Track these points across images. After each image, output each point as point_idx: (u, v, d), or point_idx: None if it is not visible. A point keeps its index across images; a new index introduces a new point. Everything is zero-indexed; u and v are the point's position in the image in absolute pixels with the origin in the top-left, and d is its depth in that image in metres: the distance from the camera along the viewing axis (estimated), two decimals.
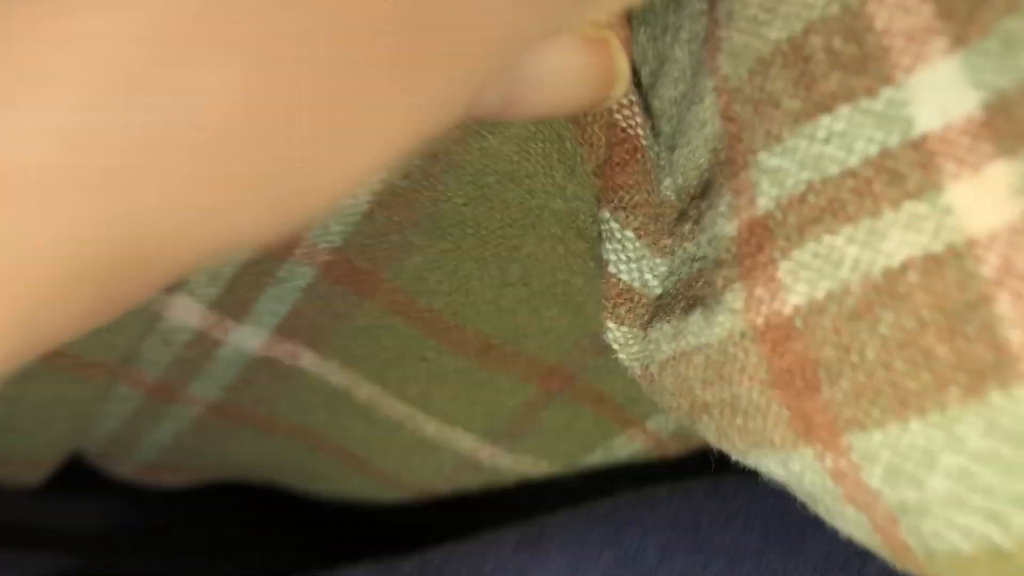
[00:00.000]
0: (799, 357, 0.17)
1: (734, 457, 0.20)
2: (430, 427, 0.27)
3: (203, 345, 0.25)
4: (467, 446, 0.28)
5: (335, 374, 0.26)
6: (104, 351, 0.25)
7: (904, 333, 0.16)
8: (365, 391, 0.26)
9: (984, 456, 0.16)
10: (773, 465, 0.19)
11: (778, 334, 0.17)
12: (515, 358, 0.25)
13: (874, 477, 0.17)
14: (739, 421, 0.18)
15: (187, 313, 0.24)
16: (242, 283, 0.24)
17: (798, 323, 0.17)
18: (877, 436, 0.16)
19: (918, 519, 0.17)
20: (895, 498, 0.17)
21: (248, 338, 0.25)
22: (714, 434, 0.19)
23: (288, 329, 0.25)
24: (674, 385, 0.20)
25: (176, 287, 0.24)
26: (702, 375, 0.19)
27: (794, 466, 0.18)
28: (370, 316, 0.24)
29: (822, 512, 0.19)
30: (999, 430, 0.15)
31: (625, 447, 0.29)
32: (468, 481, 0.30)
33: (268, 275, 0.23)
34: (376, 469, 0.30)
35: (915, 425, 0.16)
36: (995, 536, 0.16)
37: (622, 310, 0.21)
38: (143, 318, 0.24)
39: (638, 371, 0.21)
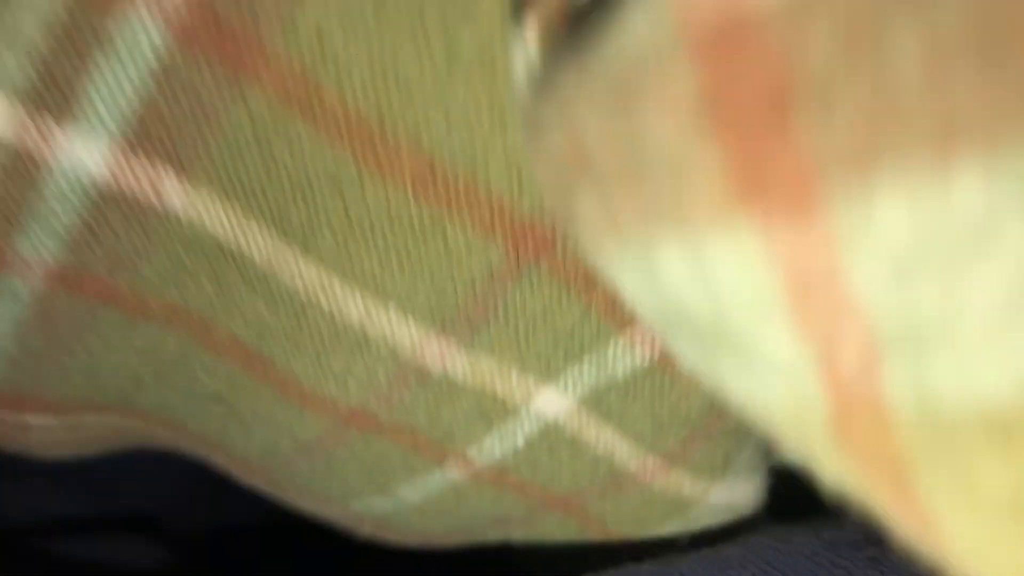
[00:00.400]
0: (762, 64, 0.10)
1: (608, 251, 0.12)
2: (354, 306, 0.20)
3: (24, 170, 0.18)
4: (407, 339, 0.20)
5: (214, 214, 0.18)
6: None
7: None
8: (260, 244, 0.19)
9: None
10: (671, 256, 0.11)
11: (726, 27, 0.10)
12: (471, 197, 0.18)
13: (867, 266, 0.10)
14: (634, 182, 0.11)
15: None
16: (61, 58, 0.16)
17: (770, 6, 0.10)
18: (892, 191, 0.09)
19: (935, 344, 0.10)
20: (899, 305, 0.10)
21: (83, 154, 0.17)
22: (594, 213, 0.12)
23: (139, 137, 0.17)
24: (563, 133, 0.12)
25: None
26: (599, 106, 0.11)
27: (711, 251, 0.11)
28: (255, 112, 0.16)
29: (724, 347, 0.12)
30: None
31: (623, 357, 0.21)
32: (411, 403, 0.22)
33: (95, 41, 0.16)
34: (285, 376, 0.22)
35: (972, 167, 0.09)
36: None
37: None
38: None
39: (527, 99, 0.14)
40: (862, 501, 0.13)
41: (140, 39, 0.16)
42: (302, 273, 0.19)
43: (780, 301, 0.11)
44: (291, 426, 0.23)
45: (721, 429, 0.23)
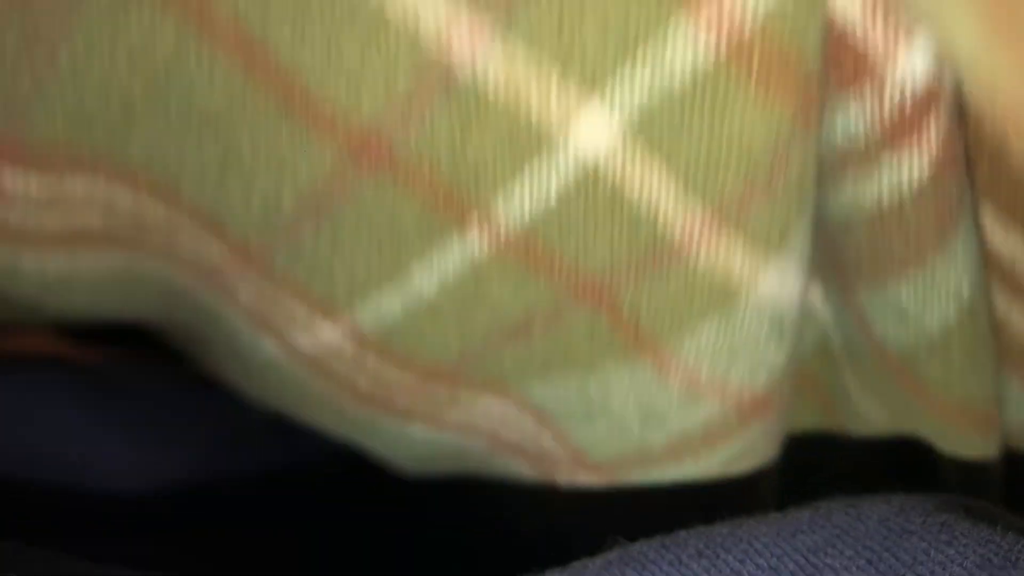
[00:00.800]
0: None
1: None
2: None
3: None
4: (432, 17, 0.18)
5: None
6: None
7: None
8: None
9: None
10: None
11: None
12: None
13: None
14: None
15: None
16: None
17: None
18: None
19: None
20: None
21: None
22: None
23: None
24: None
25: None
26: None
27: None
28: None
29: None
30: None
31: (683, 52, 0.18)
32: (432, 125, 0.19)
33: None
34: (291, 77, 0.19)
35: None
36: None
37: None
38: None
39: None
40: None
41: None
42: None
43: None
44: (295, 164, 0.21)
45: (783, 182, 0.20)
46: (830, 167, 0.21)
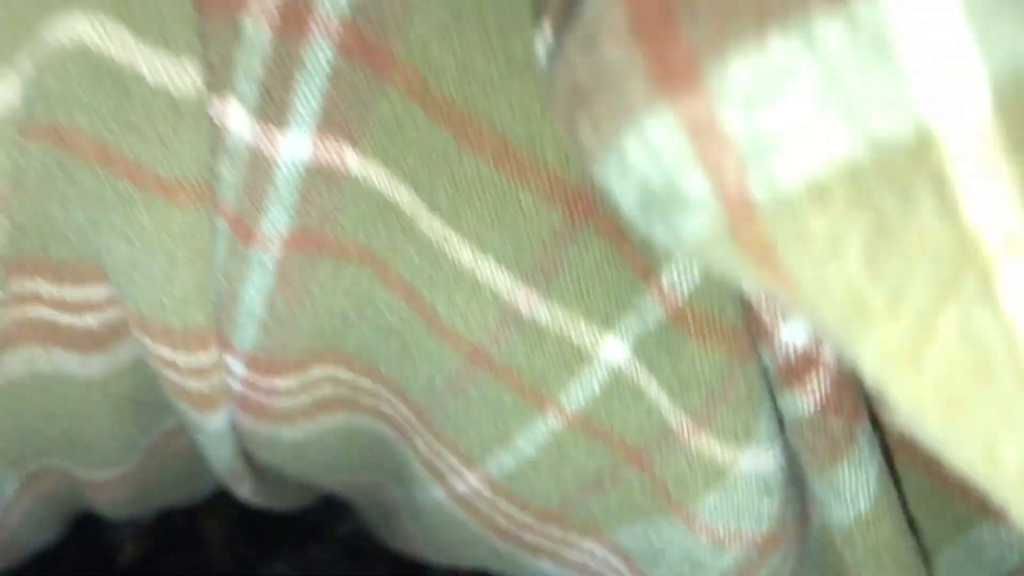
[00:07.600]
0: None
1: (600, 160, 0.19)
2: (465, 253, 0.28)
3: (261, 167, 0.28)
4: (504, 286, 0.29)
5: (378, 175, 0.28)
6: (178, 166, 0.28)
7: None
8: (405, 198, 0.28)
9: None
10: (630, 144, 0.18)
11: None
12: (535, 170, 0.26)
13: (729, 115, 0.16)
14: (603, 92, 0.18)
15: (239, 124, 0.27)
16: (274, 80, 0.26)
17: None
18: (738, 60, 0.16)
19: (769, 155, 0.16)
20: (748, 133, 0.16)
21: (296, 145, 0.27)
22: (588, 131, 0.19)
23: (327, 124, 0.27)
24: (564, 77, 0.19)
25: (222, 85, 0.27)
26: (579, 43, 0.18)
27: (650, 130, 0.17)
28: (393, 102, 0.26)
29: (673, 205, 0.18)
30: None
31: (651, 309, 0.28)
32: (513, 344, 0.30)
33: (295, 62, 0.26)
34: (431, 311, 0.30)
35: (778, 34, 0.15)
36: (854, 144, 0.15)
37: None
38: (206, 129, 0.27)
39: (546, 68, 0.20)
40: (757, 287, 0.18)
41: (319, 56, 0.26)
42: (432, 225, 0.28)
43: (690, 150, 0.17)
44: (439, 359, 0.32)
45: (736, 396, 0.29)
46: (774, 382, 0.29)
